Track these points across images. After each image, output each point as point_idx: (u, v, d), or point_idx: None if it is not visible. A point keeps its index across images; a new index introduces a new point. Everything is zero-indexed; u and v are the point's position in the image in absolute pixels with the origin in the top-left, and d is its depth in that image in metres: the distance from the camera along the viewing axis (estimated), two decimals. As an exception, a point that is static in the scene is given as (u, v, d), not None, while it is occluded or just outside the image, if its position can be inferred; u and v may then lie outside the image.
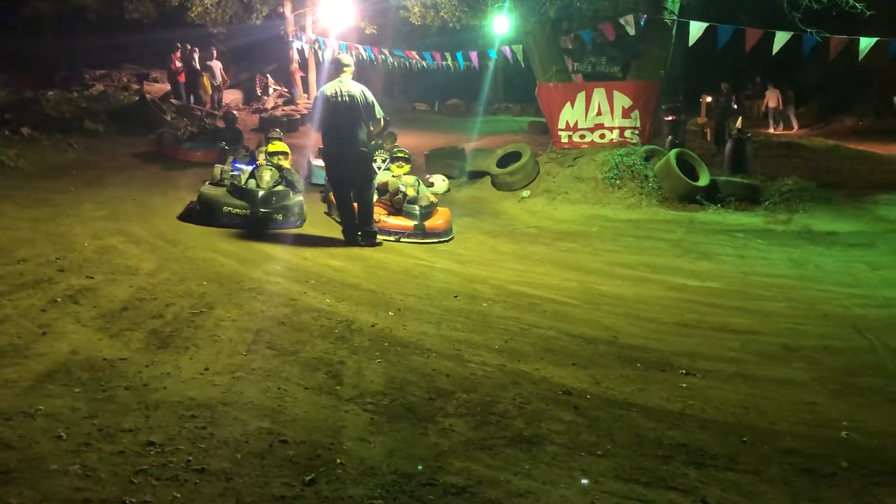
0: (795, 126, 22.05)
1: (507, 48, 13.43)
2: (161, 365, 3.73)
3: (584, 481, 2.81)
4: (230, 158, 9.78)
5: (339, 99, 7.14)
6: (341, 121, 7.16)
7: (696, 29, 10.83)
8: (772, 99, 22.05)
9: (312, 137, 12.40)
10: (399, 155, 9.06)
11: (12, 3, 19.47)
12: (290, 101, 21.32)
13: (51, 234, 6.90)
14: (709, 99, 19.20)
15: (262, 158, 9.03)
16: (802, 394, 3.83)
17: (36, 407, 3.13)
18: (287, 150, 9.02)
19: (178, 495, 2.53)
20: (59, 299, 4.76)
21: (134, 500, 2.47)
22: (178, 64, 19.34)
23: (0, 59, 19.08)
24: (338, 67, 7.34)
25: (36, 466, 2.65)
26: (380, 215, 7.90)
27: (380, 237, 7.59)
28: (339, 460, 2.85)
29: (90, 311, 4.57)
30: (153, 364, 3.74)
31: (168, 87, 20.06)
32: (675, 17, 11.59)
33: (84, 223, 7.52)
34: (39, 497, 2.46)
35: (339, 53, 7.66)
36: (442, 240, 8.09)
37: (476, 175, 12.67)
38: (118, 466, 2.70)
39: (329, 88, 7.23)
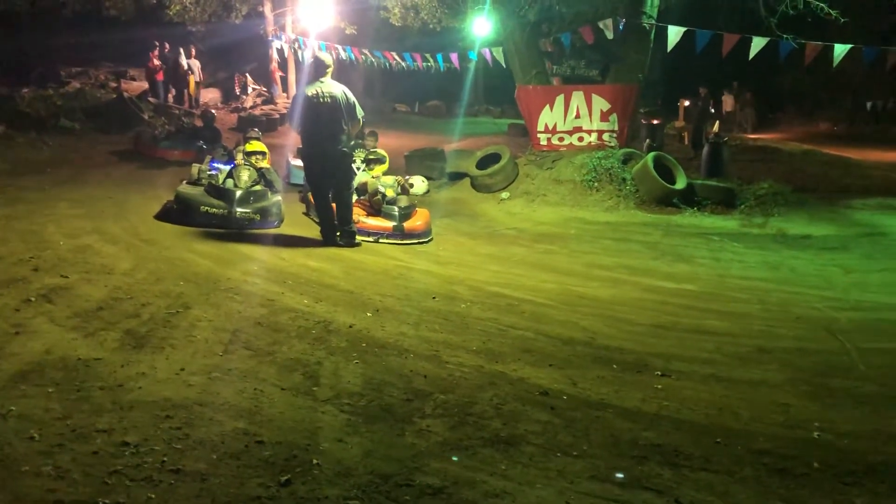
0: (749, 128, 22.43)
1: (488, 50, 13.47)
2: (136, 365, 3.70)
3: (560, 482, 2.82)
4: (208, 158, 9.72)
5: (321, 100, 7.12)
6: (322, 121, 7.14)
7: (675, 34, 10.94)
8: (727, 103, 22.37)
9: (291, 137, 12.37)
10: (371, 157, 9.04)
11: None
12: (269, 100, 21.24)
13: (24, 232, 6.82)
14: (686, 103, 19.40)
15: (240, 158, 8.99)
16: (775, 395, 3.88)
17: (8, 408, 3.09)
18: (265, 150, 9.00)
19: (153, 496, 2.51)
20: (33, 298, 4.71)
21: (108, 501, 2.45)
22: (157, 62, 19.21)
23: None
24: (319, 68, 7.32)
25: (8, 467, 2.62)
26: (359, 216, 7.89)
27: (359, 238, 7.58)
28: (315, 461, 2.84)
29: (65, 311, 4.52)
30: (128, 364, 3.71)
31: (146, 85, 19.91)
32: (653, 22, 11.69)
33: (59, 222, 7.44)
34: (11, 498, 2.43)
35: (319, 53, 7.61)
36: (421, 241, 8.09)
37: (456, 176, 12.70)
38: (92, 467, 2.67)
39: (310, 89, 7.21)
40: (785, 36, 10.49)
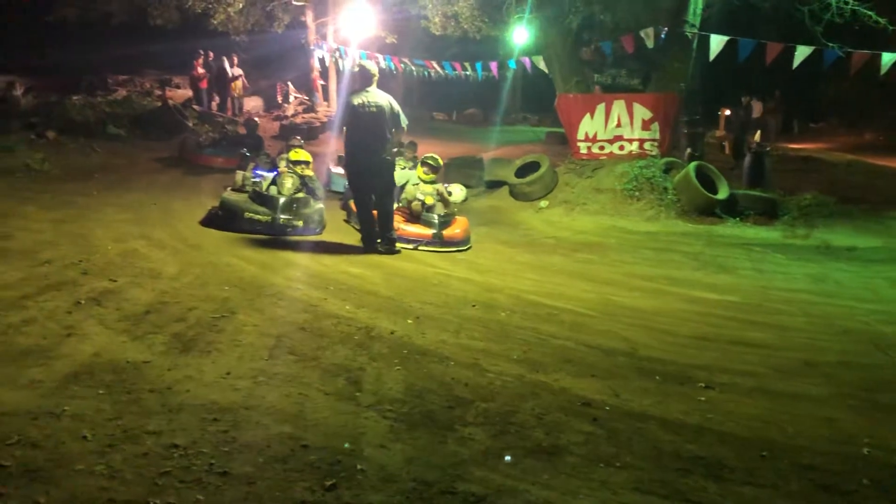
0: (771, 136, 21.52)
1: (527, 59, 13.48)
2: (184, 368, 3.78)
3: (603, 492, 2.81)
4: (251, 165, 9.86)
5: (367, 109, 7.21)
6: (367, 130, 7.23)
7: (717, 42, 10.85)
8: (756, 109, 21.85)
9: (332, 145, 12.48)
10: (429, 161, 8.91)
11: (38, 10, 19.75)
12: (310, 108, 21.46)
13: (74, 236, 6.99)
14: (727, 112, 19.17)
15: (283, 165, 9.10)
16: (821, 409, 3.82)
17: (62, 407, 3.18)
18: (310, 159, 9.07)
19: (202, 498, 2.56)
20: (83, 301, 4.82)
21: (158, 502, 2.51)
22: (201, 70, 19.55)
23: (26, 64, 19.39)
24: (365, 77, 7.40)
25: (62, 466, 2.69)
26: (398, 223, 7.94)
27: (398, 245, 7.64)
28: (359, 466, 2.87)
29: (113, 314, 4.63)
30: (176, 367, 3.78)
31: (190, 93, 20.27)
32: (695, 31, 11.60)
33: (107, 226, 7.62)
34: (66, 496, 2.50)
35: (365, 63, 7.67)
36: (460, 249, 8.11)
37: (494, 185, 12.71)
38: (142, 468, 2.73)
39: (356, 98, 7.28)
40: (831, 44, 10.33)
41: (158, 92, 20.65)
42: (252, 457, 2.88)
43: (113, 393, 3.41)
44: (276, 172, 8.84)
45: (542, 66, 12.98)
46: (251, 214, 7.93)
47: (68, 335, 4.17)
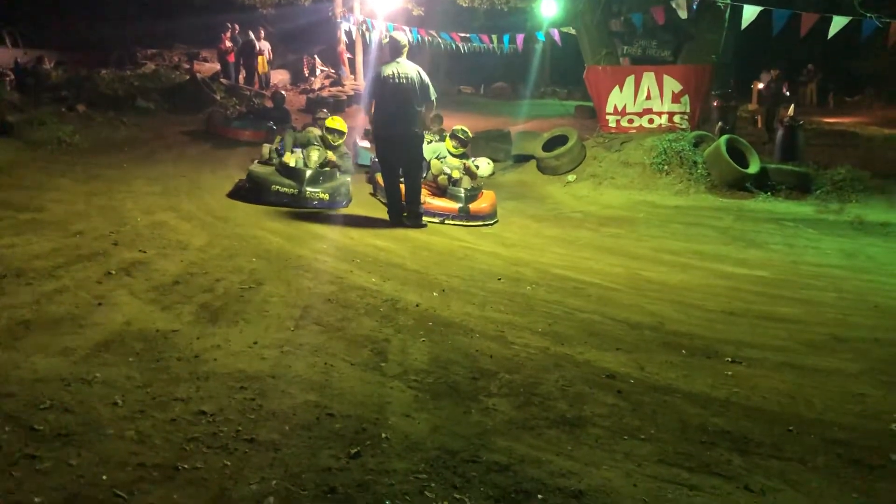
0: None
1: (556, 31, 13.32)
2: (211, 337, 3.82)
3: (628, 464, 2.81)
4: (278, 138, 9.89)
5: (396, 80, 7.16)
6: (396, 102, 7.19)
7: (750, 13, 10.60)
8: (763, 81, 21.09)
9: (358, 119, 12.47)
10: (459, 135, 8.89)
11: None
12: (337, 82, 21.44)
13: (104, 208, 7.08)
14: (760, 85, 18.81)
15: (315, 132, 9.04)
16: (851, 385, 3.77)
17: (93, 374, 3.23)
18: (345, 129, 8.98)
19: (228, 463, 2.60)
20: (114, 272, 4.89)
21: (186, 466, 2.54)
22: (228, 44, 19.58)
23: (56, 39, 19.56)
24: (395, 48, 7.35)
25: (94, 430, 2.74)
26: (425, 197, 7.93)
27: (424, 219, 7.63)
28: (384, 435, 2.89)
29: (143, 284, 4.69)
30: (204, 336, 3.83)
31: (217, 66, 20.33)
32: (728, 1, 11.36)
33: (136, 198, 7.70)
34: (97, 459, 2.54)
35: (395, 34, 7.61)
36: (486, 223, 8.10)
37: (521, 158, 12.64)
38: (171, 434, 2.77)
39: (386, 69, 7.24)
40: (868, 14, 10.06)
41: (186, 66, 20.73)
42: (278, 424, 2.91)
43: (143, 361, 3.46)
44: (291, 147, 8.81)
45: (570, 37, 12.81)
46: (278, 187, 7.97)
47: (99, 304, 4.23)
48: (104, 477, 2.43)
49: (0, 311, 3.97)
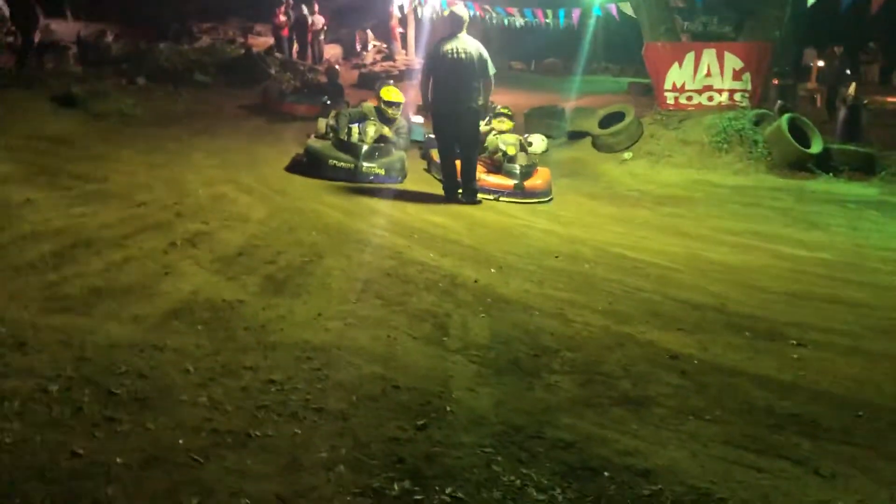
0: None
1: (614, 6, 13.10)
2: (276, 308, 3.89)
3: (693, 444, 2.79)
4: (333, 112, 9.93)
5: (456, 55, 7.12)
6: (454, 78, 7.16)
7: (818, -13, 10.29)
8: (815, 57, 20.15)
9: (410, 94, 12.45)
10: (502, 111, 8.99)
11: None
12: (389, 56, 21.42)
13: (166, 179, 7.22)
14: (820, 63, 18.24)
15: (372, 105, 9.04)
16: (922, 371, 3.68)
17: (164, 341, 3.32)
18: (402, 100, 8.97)
19: (299, 431, 2.65)
20: (179, 243, 4.99)
21: (258, 433, 2.60)
22: (282, 18, 19.68)
23: (115, 12, 19.89)
24: (455, 23, 7.30)
25: (168, 396, 2.82)
26: (480, 173, 7.90)
27: (479, 195, 7.62)
28: (448, 408, 2.92)
29: (207, 255, 4.78)
30: (269, 307, 3.89)
31: (271, 40, 20.46)
32: (794, -25, 11.03)
33: (196, 171, 7.84)
34: (173, 424, 2.62)
35: (456, 8, 7.56)
36: (541, 200, 8.05)
37: (575, 135, 12.48)
38: (242, 401, 2.84)
39: (446, 45, 7.20)
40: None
41: (241, 40, 20.91)
42: (345, 395, 2.96)
43: (211, 329, 3.54)
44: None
45: (629, 12, 12.58)
46: (335, 161, 8.04)
47: (166, 274, 4.34)
48: (180, 441, 2.50)
49: (73, 278, 4.10)
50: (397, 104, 8.82)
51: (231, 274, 4.44)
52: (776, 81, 13.78)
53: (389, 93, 8.91)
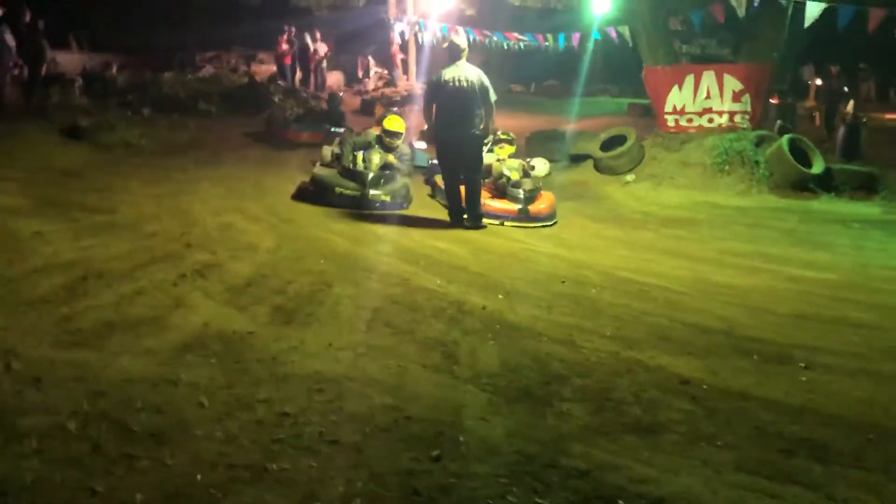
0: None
1: (612, 29, 13.20)
2: (287, 339, 3.92)
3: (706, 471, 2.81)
4: (337, 139, 10.01)
5: (457, 84, 7.22)
6: (456, 105, 7.25)
7: (814, 9, 10.37)
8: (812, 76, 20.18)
9: (413, 119, 12.54)
10: (503, 137, 9.12)
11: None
12: (391, 83, 21.62)
13: (174, 210, 7.28)
14: (819, 82, 18.36)
15: (376, 132, 9.12)
16: (932, 393, 3.69)
17: (178, 375, 3.34)
18: (402, 129, 9.05)
19: (314, 464, 2.67)
20: (188, 274, 5.03)
21: (275, 467, 2.62)
22: (285, 46, 19.88)
23: (119, 43, 20.13)
24: (454, 51, 7.41)
25: (184, 431, 2.84)
26: (484, 198, 7.95)
27: (484, 220, 7.67)
28: (461, 438, 2.94)
29: (217, 286, 4.82)
30: (280, 338, 3.93)
31: (274, 68, 20.66)
32: (791, -2, 11.13)
33: (203, 200, 7.91)
34: (190, 459, 2.64)
35: (454, 37, 7.67)
36: (546, 224, 8.09)
37: (578, 158, 12.56)
38: (257, 435, 2.86)
39: (447, 73, 7.30)
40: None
41: (244, 68, 21.13)
42: (359, 426, 2.98)
43: (223, 362, 3.56)
44: (344, 146, 8.91)
45: (627, 36, 12.70)
46: (341, 189, 8.11)
47: (177, 306, 4.37)
48: (198, 476, 2.52)
49: (85, 311, 4.14)
50: (399, 134, 8.89)
51: (241, 304, 4.48)
52: (775, 101, 13.87)
53: (392, 122, 8.98)
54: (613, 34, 13.11)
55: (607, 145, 11.79)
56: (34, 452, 2.58)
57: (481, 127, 7.40)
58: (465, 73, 7.27)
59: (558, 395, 3.46)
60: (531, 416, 3.22)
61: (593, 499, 2.57)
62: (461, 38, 7.65)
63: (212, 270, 5.17)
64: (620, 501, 2.56)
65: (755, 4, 11.22)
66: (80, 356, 3.50)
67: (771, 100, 13.82)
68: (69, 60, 17.57)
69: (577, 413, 3.27)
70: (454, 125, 7.33)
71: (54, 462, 2.53)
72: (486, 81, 7.33)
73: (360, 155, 8.62)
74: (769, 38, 11.56)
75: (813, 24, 10.31)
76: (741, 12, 11.10)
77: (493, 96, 7.37)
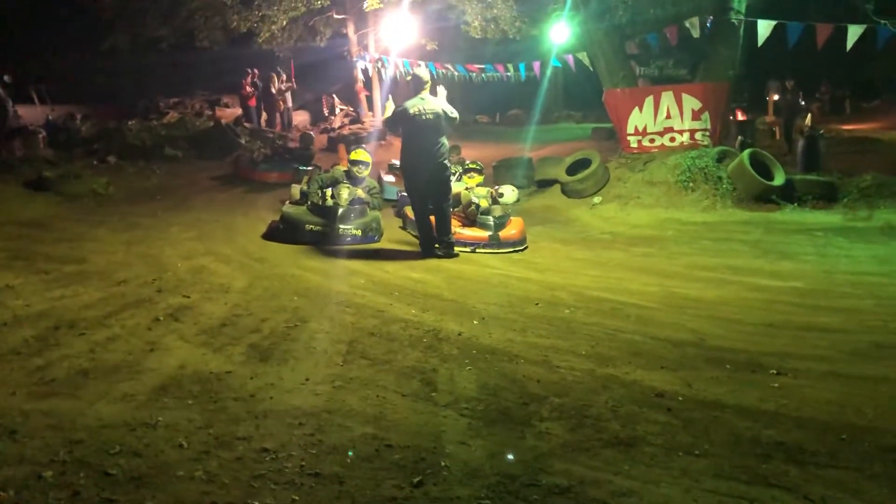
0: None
1: (570, 56, 13.48)
2: (264, 376, 3.92)
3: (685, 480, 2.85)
4: (305, 178, 10.05)
5: (423, 118, 7.34)
6: (424, 137, 7.37)
7: (765, 27, 10.70)
8: (774, 91, 20.76)
9: (381, 154, 12.63)
10: (472, 166, 9.26)
11: (92, 40, 20.41)
12: (356, 119, 21.72)
13: (144, 256, 7.25)
14: (776, 97, 18.79)
15: (342, 168, 9.20)
16: (899, 391, 3.78)
17: (156, 418, 3.33)
18: (370, 160, 9.15)
19: (297, 498, 2.67)
20: (161, 318, 5.01)
21: (257, 503, 2.62)
22: (249, 89, 19.95)
23: (81, 93, 20.08)
24: (417, 84, 7.54)
25: (164, 472, 2.83)
26: (455, 227, 8.03)
27: (456, 248, 7.73)
28: (443, 463, 2.96)
29: (192, 328, 4.81)
30: (257, 376, 3.92)
31: (239, 111, 20.70)
32: (741, 17, 11.46)
33: (174, 245, 7.88)
34: (171, 500, 2.63)
35: (417, 70, 7.80)
36: (517, 249, 8.18)
37: (545, 184, 12.72)
38: (238, 472, 2.86)
39: (412, 107, 7.41)
40: (883, 21, 10.10)
41: (209, 112, 21.13)
42: (339, 458, 2.99)
43: (201, 402, 3.55)
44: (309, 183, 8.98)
45: (586, 62, 12.96)
46: (311, 226, 8.13)
47: (151, 350, 4.35)
48: (181, 517, 2.51)
49: (59, 361, 4.11)
50: (365, 163, 8.98)
51: (217, 345, 4.47)
52: (736, 117, 14.16)
53: (358, 154, 9.10)
54: (571, 61, 13.38)
55: (573, 169, 11.95)
56: (12, 504, 2.56)
57: (447, 156, 7.52)
58: (430, 105, 7.40)
59: (537, 414, 3.49)
60: (511, 436, 3.25)
61: (576, 514, 2.60)
62: (423, 71, 7.78)
63: (185, 313, 5.15)
64: (603, 515, 2.59)
65: (708, 25, 11.53)
66: (55, 405, 3.47)
67: (731, 117, 14.14)
68: (31, 113, 17.47)
69: (557, 431, 3.30)
70: (422, 156, 7.43)
71: (33, 512, 2.51)
72: (452, 111, 7.48)
73: (329, 191, 8.66)
74: (724, 57, 11.85)
75: (769, 42, 10.62)
76: (695, 33, 11.45)
77: (455, 116, 7.54)
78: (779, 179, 10.34)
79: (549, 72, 18.60)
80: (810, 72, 21.01)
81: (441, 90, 7.80)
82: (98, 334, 4.62)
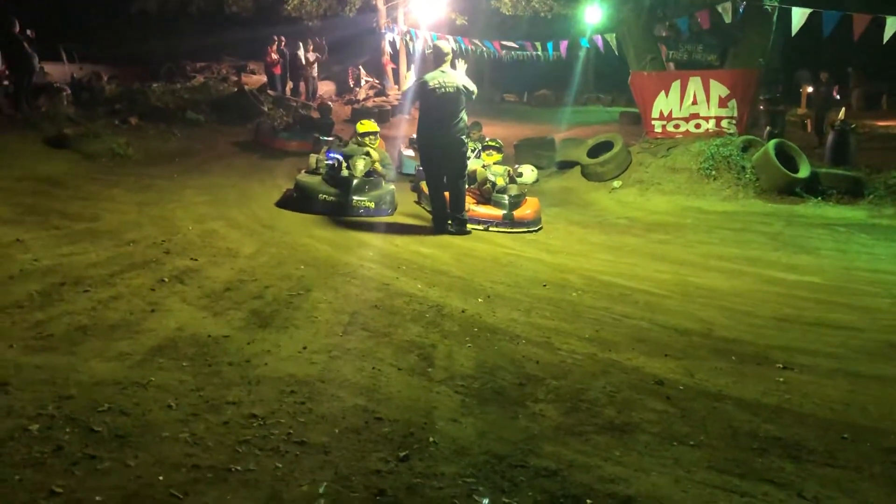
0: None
1: (599, 37, 13.25)
2: (262, 343, 3.89)
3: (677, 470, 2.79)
4: (324, 148, 10.01)
5: (442, 90, 7.23)
6: (441, 111, 7.28)
7: (799, 15, 10.42)
8: (805, 82, 20.22)
9: (402, 128, 12.56)
10: (490, 144, 9.15)
11: (121, 2, 20.47)
12: (382, 92, 21.64)
13: (156, 217, 7.25)
14: (809, 89, 18.44)
15: (353, 142, 9.16)
16: (908, 392, 3.68)
17: (148, 378, 3.31)
18: (377, 129, 9.09)
19: (280, 465, 2.64)
20: (166, 279, 5.00)
21: (239, 468, 2.59)
22: (274, 56, 19.91)
23: (109, 53, 20.14)
24: (438, 56, 7.44)
25: (149, 432, 2.81)
26: (469, 204, 7.95)
27: (469, 226, 7.66)
28: (431, 439, 2.91)
29: (195, 291, 4.79)
30: (254, 342, 3.90)
31: (264, 78, 20.68)
32: (775, 4, 11.19)
33: (187, 208, 7.88)
34: (153, 460, 2.61)
35: (438, 42, 7.70)
36: (530, 229, 8.09)
37: (565, 165, 12.59)
38: (224, 436, 2.83)
39: (431, 80, 7.31)
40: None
41: (234, 78, 21.14)
42: (328, 428, 2.95)
43: (195, 365, 3.53)
44: (338, 155, 8.91)
45: (613, 44, 12.75)
46: (325, 196, 8.09)
47: (153, 311, 4.34)
48: (161, 477, 2.49)
49: (60, 317, 4.10)
50: (373, 133, 8.92)
51: (218, 309, 4.45)
52: (763, 107, 13.92)
53: (363, 125, 9.05)
54: (600, 42, 13.16)
55: (594, 152, 11.81)
56: (-6, 455, 2.55)
57: (465, 131, 7.43)
58: (450, 78, 7.29)
59: (532, 396, 3.44)
60: (503, 416, 3.20)
61: (561, 498, 2.55)
62: (445, 44, 7.67)
63: (191, 276, 5.14)
64: (589, 500, 2.53)
65: (741, 11, 11.27)
66: (50, 360, 3.46)
67: (761, 107, 13.88)
68: (58, 71, 17.57)
69: (550, 414, 3.25)
70: (438, 130, 7.34)
71: (14, 465, 2.49)
72: (471, 85, 7.38)
73: (344, 161, 8.61)
74: (755, 44, 11.61)
75: (804, 31, 10.35)
76: (727, 18, 11.17)
77: (474, 90, 7.43)
78: (804, 172, 10.14)
79: (581, 53, 18.36)
80: (845, 65, 20.58)
81: (461, 64, 7.68)
82: (102, 292, 4.61)
